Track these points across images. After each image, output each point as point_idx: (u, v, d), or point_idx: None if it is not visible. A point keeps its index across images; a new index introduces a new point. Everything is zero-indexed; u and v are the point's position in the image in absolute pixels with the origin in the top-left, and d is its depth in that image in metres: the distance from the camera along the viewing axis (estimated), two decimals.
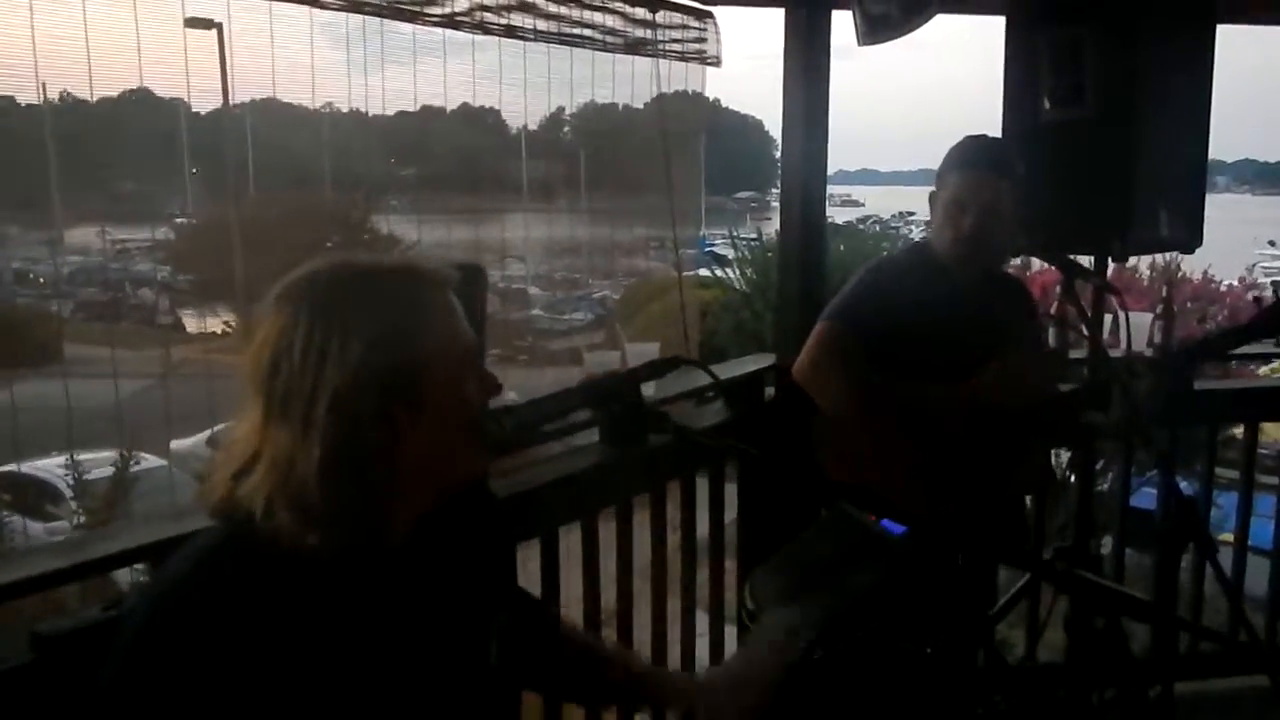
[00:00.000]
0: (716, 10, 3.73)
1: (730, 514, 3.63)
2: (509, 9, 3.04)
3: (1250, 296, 8.55)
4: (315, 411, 1.27)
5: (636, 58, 3.60)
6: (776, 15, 3.65)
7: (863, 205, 57.24)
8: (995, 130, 3.25)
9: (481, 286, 2.26)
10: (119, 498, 6.52)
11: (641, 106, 3.94)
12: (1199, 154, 3.32)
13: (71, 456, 6.67)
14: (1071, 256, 2.93)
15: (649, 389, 2.36)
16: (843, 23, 3.48)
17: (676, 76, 3.80)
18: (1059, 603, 2.97)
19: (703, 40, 3.72)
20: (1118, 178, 3.07)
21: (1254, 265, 19.81)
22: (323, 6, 2.64)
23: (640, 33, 3.48)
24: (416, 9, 2.85)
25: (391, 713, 1.40)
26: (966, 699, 3.18)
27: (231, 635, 1.26)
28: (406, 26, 3.00)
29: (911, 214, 28.22)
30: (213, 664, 1.24)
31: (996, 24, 3.36)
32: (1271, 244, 33.18)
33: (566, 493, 2.89)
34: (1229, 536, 4.04)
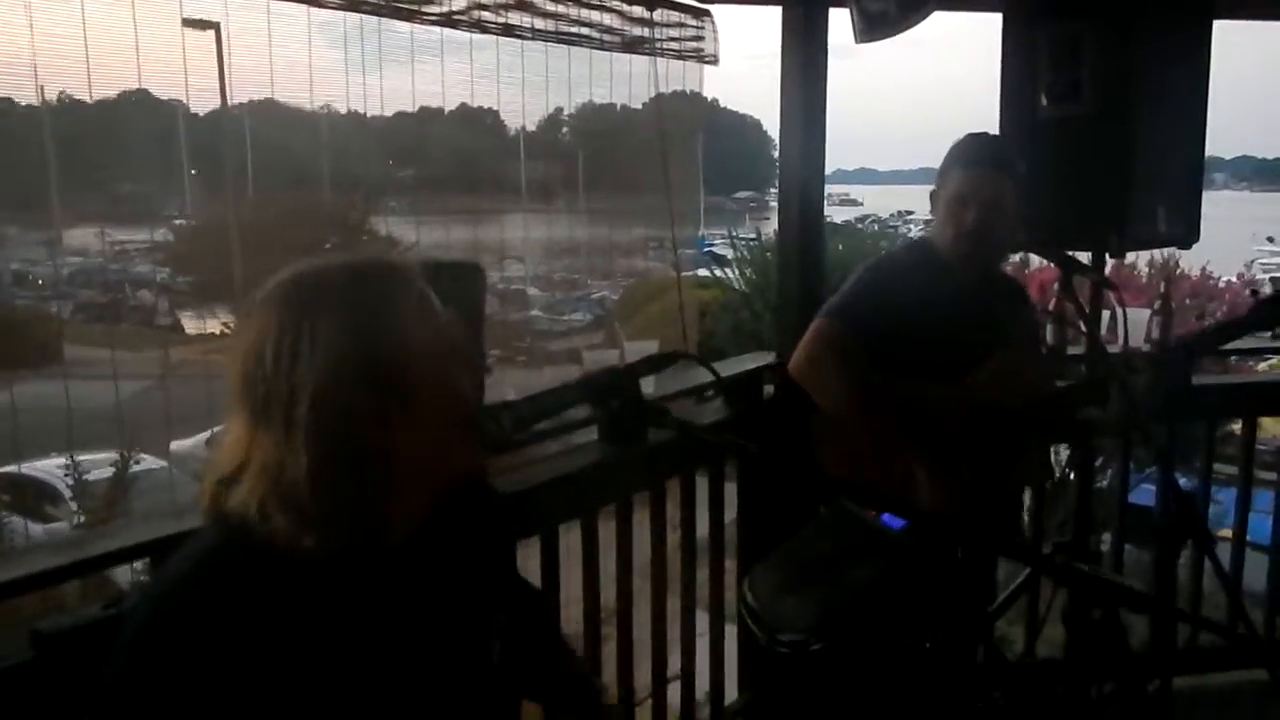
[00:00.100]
0: (714, 9, 3.74)
1: (730, 514, 3.64)
2: (506, 7, 3.04)
3: (1248, 292, 8.56)
4: (296, 413, 1.27)
5: (634, 57, 3.61)
6: (774, 14, 3.66)
7: (861, 204, 57.24)
8: (993, 128, 3.26)
9: (480, 285, 2.27)
10: (118, 498, 6.51)
11: (640, 107, 3.94)
12: (1196, 150, 3.34)
13: (71, 458, 6.66)
14: (1069, 253, 2.94)
15: (648, 386, 2.36)
16: (840, 21, 3.49)
17: (674, 76, 3.81)
18: (1058, 598, 2.97)
19: (700, 39, 3.72)
20: (1115, 174, 3.08)
21: (1252, 262, 19.86)
22: (321, 5, 2.64)
23: (638, 31, 3.48)
24: (414, 7, 2.85)
25: (393, 712, 1.40)
26: (966, 695, 3.19)
27: (232, 635, 1.26)
28: (404, 26, 3.01)
29: (910, 213, 28.22)
30: (214, 663, 1.25)
31: (996, 22, 3.38)
32: (1270, 240, 33.23)
33: (566, 491, 2.89)
34: (1228, 533, 4.05)
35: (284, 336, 1.29)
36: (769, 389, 3.75)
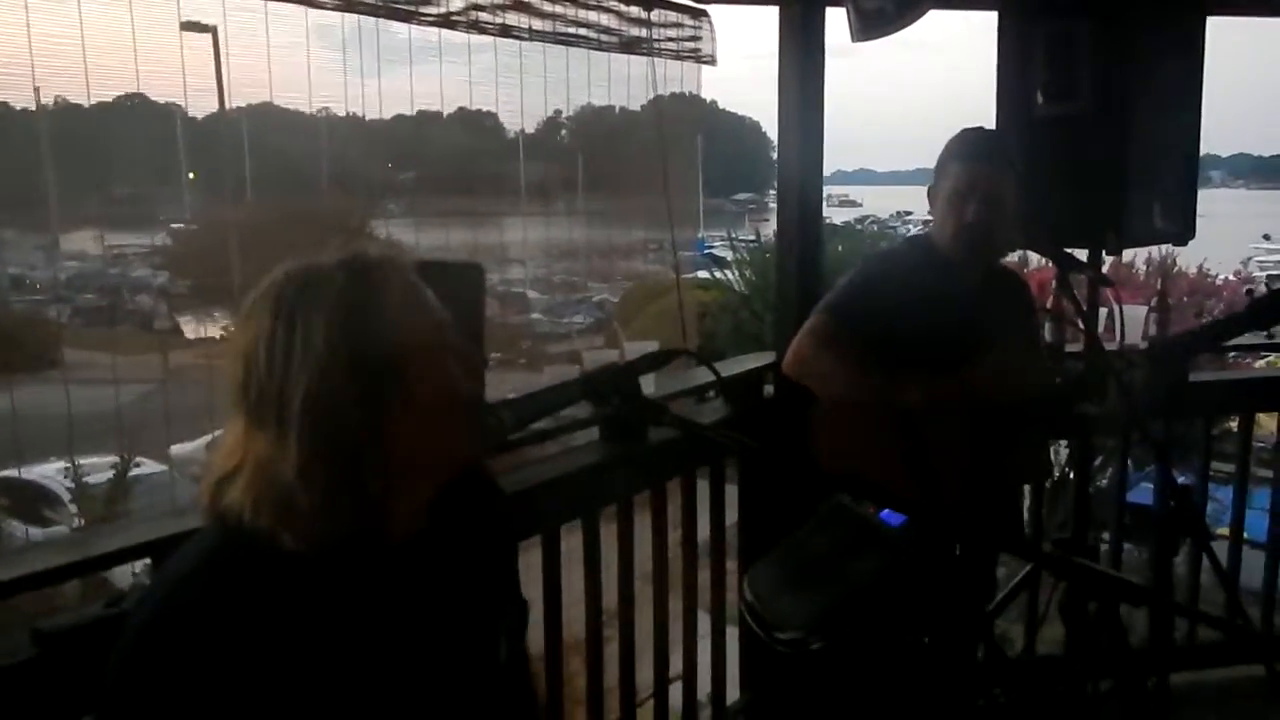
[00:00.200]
0: (711, 9, 3.74)
1: (731, 516, 3.64)
2: (504, 8, 3.04)
3: (1245, 290, 8.58)
4: (289, 412, 1.28)
5: (632, 58, 3.61)
6: (771, 13, 3.66)
7: (860, 205, 57.19)
8: (989, 125, 3.27)
9: (480, 285, 2.27)
10: (118, 502, 6.52)
11: (638, 109, 3.95)
12: (1191, 147, 3.34)
13: (72, 461, 6.67)
14: (1066, 250, 2.94)
15: (649, 387, 2.36)
16: (838, 20, 3.49)
17: (673, 78, 3.81)
18: (1057, 595, 2.98)
19: (698, 39, 3.73)
20: (1111, 171, 3.09)
21: (1249, 259, 19.87)
22: (318, 6, 2.64)
23: (635, 31, 3.48)
24: (411, 9, 2.85)
25: (400, 712, 1.40)
26: (967, 692, 3.19)
27: (235, 634, 1.26)
28: (402, 29, 3.01)
29: (909, 213, 28.27)
30: (217, 663, 1.25)
31: (994, 22, 3.38)
32: (1266, 238, 33.25)
33: (567, 491, 2.90)
34: (1226, 531, 4.06)
35: (275, 336, 1.29)
36: (769, 389, 3.75)
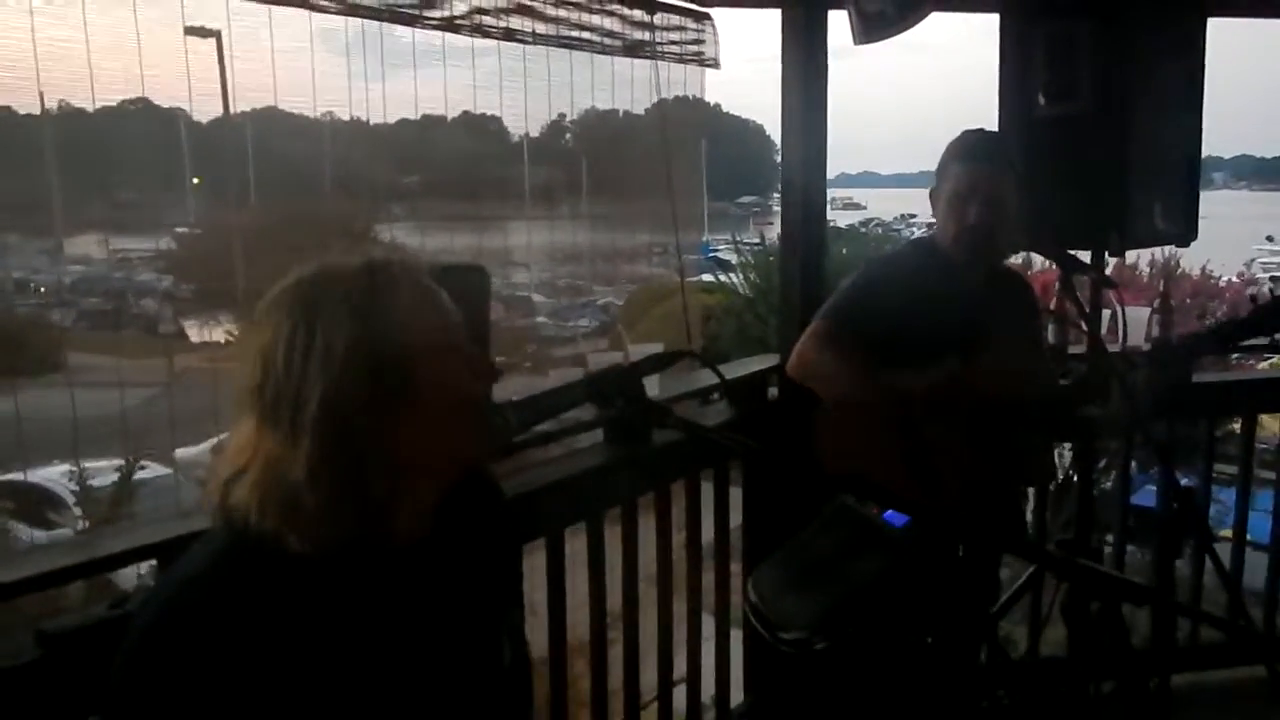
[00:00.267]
0: (714, 12, 3.75)
1: (736, 519, 3.65)
2: (507, 12, 3.05)
3: (1248, 294, 8.58)
4: (304, 414, 1.28)
5: (636, 62, 3.61)
6: (774, 16, 3.67)
7: (865, 208, 57.12)
8: (991, 127, 3.27)
9: (485, 288, 2.28)
10: (122, 505, 6.52)
11: (642, 112, 3.94)
12: (1193, 147, 3.35)
13: (77, 463, 6.67)
14: (1069, 251, 2.94)
15: (653, 389, 2.37)
16: (840, 23, 3.50)
17: (676, 81, 3.81)
18: (1059, 597, 2.98)
19: (701, 42, 3.73)
20: (1112, 172, 3.09)
21: (1252, 261, 19.87)
22: (321, 11, 2.65)
23: (639, 35, 3.49)
24: (414, 13, 2.86)
25: (403, 714, 1.41)
26: (971, 694, 3.20)
27: (241, 636, 1.27)
28: (406, 33, 3.01)
29: (913, 216, 28.28)
30: (222, 664, 1.26)
31: (996, 24, 3.38)
32: (1269, 239, 33.17)
33: (571, 493, 2.90)
34: (1229, 533, 4.05)
35: (294, 338, 1.30)
36: (773, 391, 3.76)
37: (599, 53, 3.42)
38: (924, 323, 2.80)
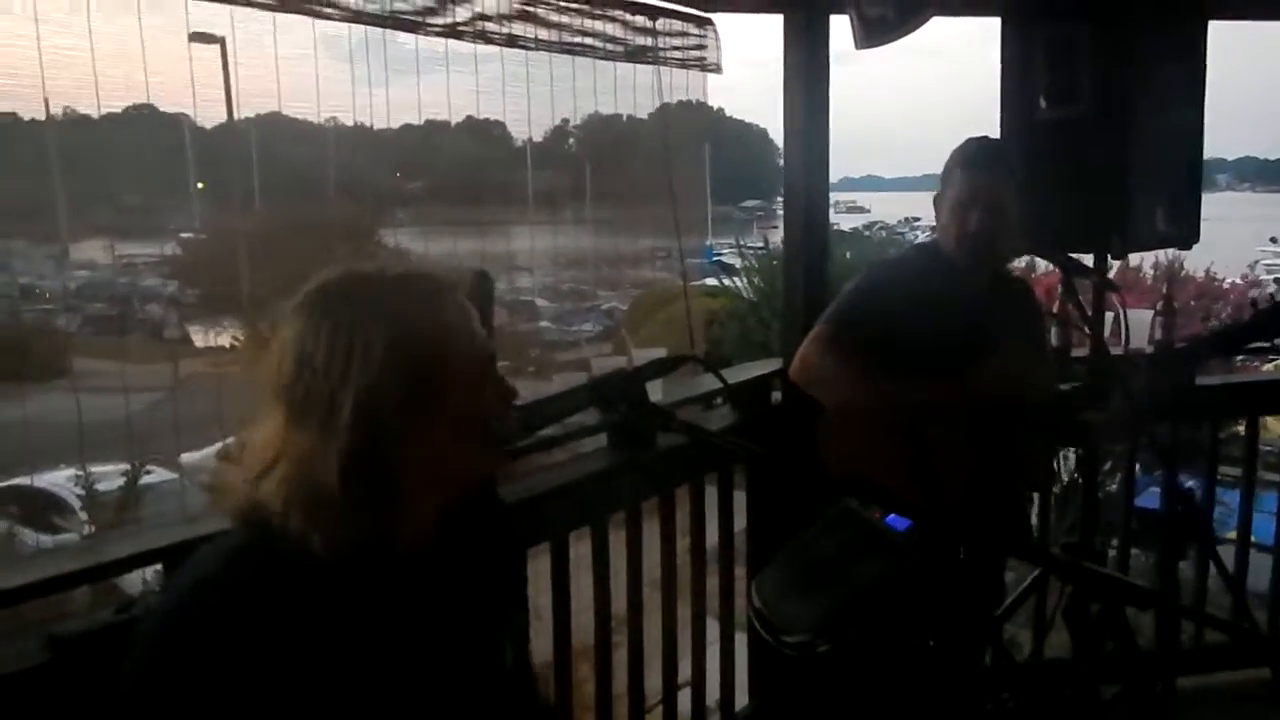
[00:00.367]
0: (716, 17, 3.75)
1: (740, 523, 3.65)
2: (510, 18, 3.05)
3: (1250, 296, 8.58)
4: (338, 413, 1.30)
5: (639, 66, 3.62)
6: (776, 21, 3.67)
7: (868, 211, 57.01)
8: (996, 133, 3.28)
9: (488, 293, 2.28)
10: (128, 510, 6.53)
11: (645, 117, 3.95)
12: (1195, 149, 3.35)
13: (82, 468, 6.68)
14: (1071, 255, 2.95)
15: (657, 394, 2.37)
16: (842, 28, 3.50)
17: (679, 86, 3.81)
18: (1063, 600, 2.99)
19: (703, 47, 3.74)
20: (1115, 175, 3.09)
21: (1256, 263, 19.82)
22: (324, 17, 2.66)
23: (641, 40, 3.49)
24: (418, 19, 2.87)
25: (407, 716, 1.42)
26: (975, 696, 3.20)
27: (250, 638, 1.28)
28: (409, 39, 3.02)
29: (917, 219, 28.19)
30: (230, 665, 1.26)
31: (997, 27, 3.39)
32: (1273, 241, 33.04)
33: (575, 498, 2.90)
34: (1233, 535, 4.05)
35: (335, 339, 1.31)
36: (777, 395, 3.76)
37: (601, 58, 3.43)
38: (927, 327, 2.81)
